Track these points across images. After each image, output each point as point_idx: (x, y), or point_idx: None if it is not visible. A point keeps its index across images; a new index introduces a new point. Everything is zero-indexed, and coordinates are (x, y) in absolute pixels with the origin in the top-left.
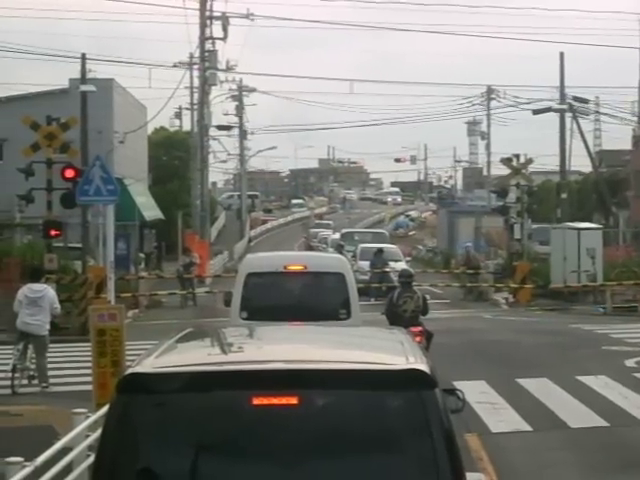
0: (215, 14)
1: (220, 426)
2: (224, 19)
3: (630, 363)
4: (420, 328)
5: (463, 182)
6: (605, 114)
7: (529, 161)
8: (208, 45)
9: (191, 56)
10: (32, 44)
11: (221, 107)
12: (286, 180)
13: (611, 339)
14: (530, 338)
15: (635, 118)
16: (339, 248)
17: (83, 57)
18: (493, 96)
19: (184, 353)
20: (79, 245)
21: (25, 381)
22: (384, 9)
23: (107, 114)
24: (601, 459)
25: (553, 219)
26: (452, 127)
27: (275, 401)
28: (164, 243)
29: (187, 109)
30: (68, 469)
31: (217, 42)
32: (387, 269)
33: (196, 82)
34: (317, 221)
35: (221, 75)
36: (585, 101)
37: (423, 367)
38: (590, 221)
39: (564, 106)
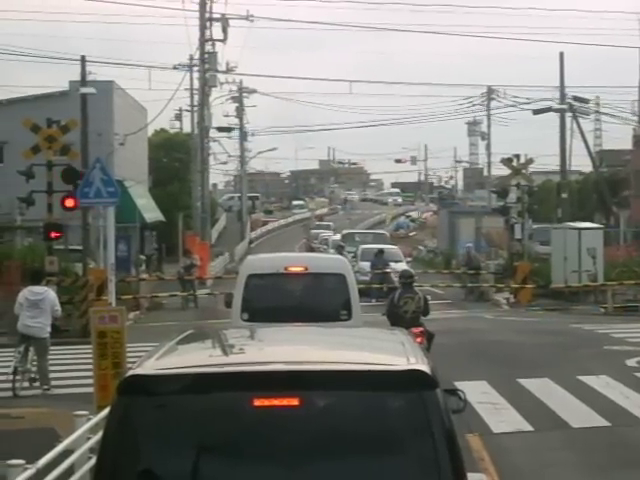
0: (215, 16)
1: (221, 427)
2: (224, 21)
3: (631, 363)
4: (421, 329)
5: (463, 182)
6: (605, 114)
7: (529, 161)
8: (208, 47)
9: (191, 58)
10: (32, 47)
11: (221, 109)
12: (287, 181)
13: (612, 339)
14: (531, 338)
15: (635, 118)
16: (340, 249)
17: (83, 59)
18: (493, 96)
19: (185, 355)
20: (80, 247)
21: (26, 384)
22: (384, 10)
23: (107, 116)
24: (603, 459)
25: (554, 219)
26: (452, 127)
27: (276, 402)
28: (165, 245)
29: (187, 111)
30: (70, 471)
31: (217, 44)
32: (388, 270)
33: (196, 84)
34: (318, 222)
35: (221, 77)
36: (585, 101)
37: (424, 368)
38: (591, 221)
39: (564, 106)
